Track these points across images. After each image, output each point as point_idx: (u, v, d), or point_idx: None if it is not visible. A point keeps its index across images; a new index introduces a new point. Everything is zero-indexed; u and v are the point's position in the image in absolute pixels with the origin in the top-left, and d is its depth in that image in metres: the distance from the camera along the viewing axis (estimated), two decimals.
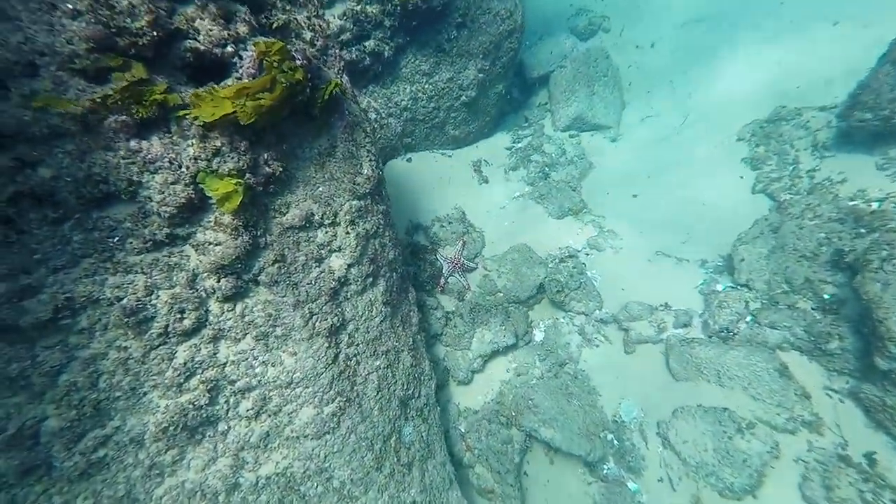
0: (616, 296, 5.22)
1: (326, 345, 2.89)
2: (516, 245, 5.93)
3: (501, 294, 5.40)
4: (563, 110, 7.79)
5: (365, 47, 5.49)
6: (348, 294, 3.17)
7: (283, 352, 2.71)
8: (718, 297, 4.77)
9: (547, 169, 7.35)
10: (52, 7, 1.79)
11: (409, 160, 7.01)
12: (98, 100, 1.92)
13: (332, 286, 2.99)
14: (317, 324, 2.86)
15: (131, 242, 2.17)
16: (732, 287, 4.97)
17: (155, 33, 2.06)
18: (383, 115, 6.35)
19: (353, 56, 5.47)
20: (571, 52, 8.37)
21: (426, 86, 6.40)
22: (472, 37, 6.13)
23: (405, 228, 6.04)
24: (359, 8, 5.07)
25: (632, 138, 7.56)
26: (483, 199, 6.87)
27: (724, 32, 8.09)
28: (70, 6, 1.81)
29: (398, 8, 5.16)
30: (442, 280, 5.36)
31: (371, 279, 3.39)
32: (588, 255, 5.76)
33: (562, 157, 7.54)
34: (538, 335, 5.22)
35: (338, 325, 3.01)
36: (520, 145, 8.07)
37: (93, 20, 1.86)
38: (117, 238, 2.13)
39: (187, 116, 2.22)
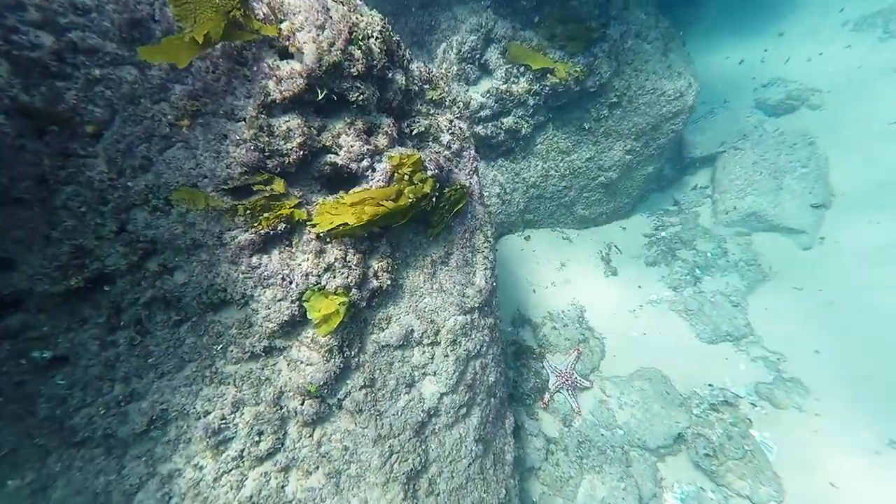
0: (810, 491, 3.68)
1: (402, 495, 2.50)
2: (646, 368, 4.86)
3: (622, 432, 4.37)
4: (731, 201, 6.51)
5: (502, 124, 5.44)
6: (436, 428, 2.78)
7: (354, 496, 2.40)
8: None
9: (699, 272, 6.10)
10: (223, 137, 1.93)
11: (527, 238, 6.61)
12: (236, 214, 2.00)
13: (419, 419, 2.65)
14: (395, 465, 2.51)
15: (232, 350, 2.17)
16: None
17: (302, 152, 2.12)
18: (507, 191, 6.15)
19: (488, 132, 5.45)
20: (755, 131, 7.07)
21: (561, 164, 6.03)
22: (625, 117, 5.61)
23: (510, 317, 5.54)
24: (504, 87, 5.07)
25: (839, 250, 5.80)
26: (608, 297, 5.97)
27: None
28: (237, 136, 1.94)
29: (547, 88, 5.00)
30: (546, 396, 4.63)
31: (465, 410, 2.96)
32: (756, 407, 4.35)
33: (721, 260, 6.20)
34: (671, 503, 4.00)
35: (419, 467, 2.62)
36: (664, 234, 6.97)
37: (252, 147, 1.97)
38: (221, 346, 2.15)
39: (308, 230, 2.22)
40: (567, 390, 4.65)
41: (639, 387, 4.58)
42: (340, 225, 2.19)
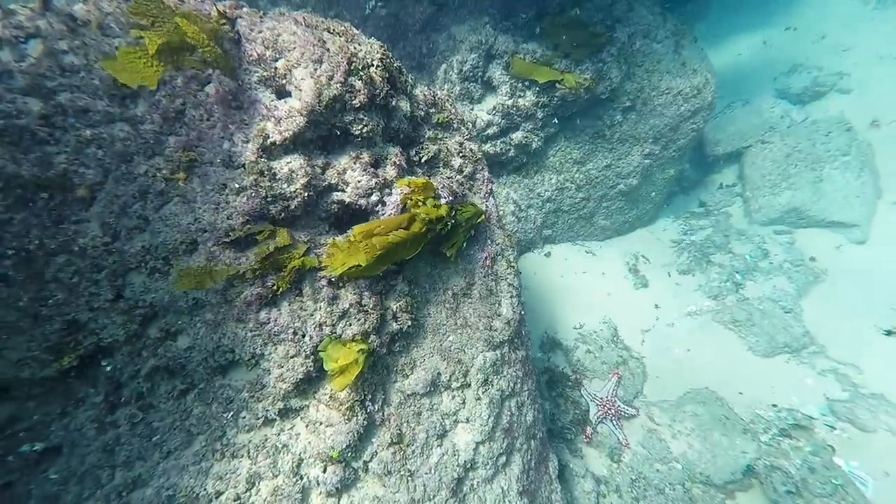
0: None
1: None
2: (697, 390, 4.49)
3: (679, 466, 3.99)
4: (766, 199, 6.19)
5: (511, 140, 5.33)
6: (474, 483, 2.53)
7: None
8: None
9: (739, 277, 5.73)
10: (222, 187, 1.83)
11: (547, 254, 6.38)
12: (240, 272, 1.88)
13: (455, 474, 2.41)
14: None
15: (244, 417, 2.01)
16: None
17: (307, 194, 2.01)
18: (522, 207, 5.98)
19: (497, 149, 5.34)
20: (781, 121, 6.78)
21: (576, 174, 5.86)
22: (640, 120, 5.44)
23: (539, 341, 5.26)
24: (510, 102, 4.98)
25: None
26: (641, 311, 5.64)
27: None
28: (237, 185, 1.84)
29: (556, 99, 4.89)
30: (588, 429, 4.29)
31: (504, 458, 2.71)
32: (835, 430, 3.91)
33: (763, 262, 5.83)
34: None
35: None
36: (694, 238, 6.65)
37: (253, 194, 1.86)
38: (231, 413, 1.99)
39: (318, 276, 2.08)
40: (611, 420, 4.30)
41: (692, 412, 4.20)
42: (353, 267, 2.04)
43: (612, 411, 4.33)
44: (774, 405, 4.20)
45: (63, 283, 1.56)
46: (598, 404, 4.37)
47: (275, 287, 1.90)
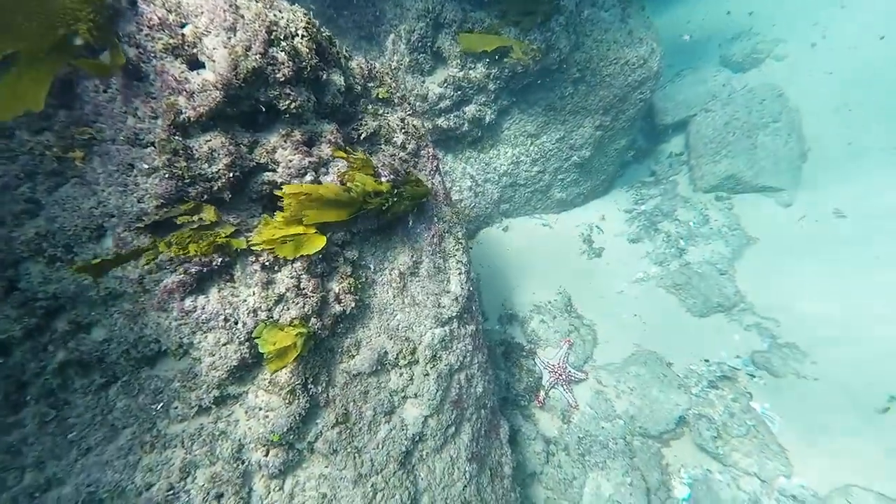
0: (818, 460, 3.69)
1: None
2: (641, 352, 4.83)
3: (622, 422, 4.33)
4: (707, 167, 6.54)
5: (464, 113, 5.26)
6: (423, 454, 2.64)
7: None
8: None
9: (682, 243, 6.10)
10: (129, 168, 1.70)
11: (505, 229, 6.49)
12: (158, 253, 1.78)
13: (403, 448, 2.49)
14: None
15: (177, 407, 1.96)
16: None
17: (231, 174, 1.90)
18: (479, 182, 6.00)
19: (451, 123, 5.27)
20: (723, 89, 7.08)
21: (531, 148, 5.91)
22: (591, 92, 5.51)
23: (497, 316, 5.42)
24: (461, 74, 4.88)
25: (820, 207, 5.89)
26: (595, 280, 5.92)
27: None
28: (146, 165, 1.71)
29: (506, 71, 4.84)
30: (541, 394, 4.54)
31: (453, 429, 2.82)
32: (755, 378, 4.36)
33: (703, 228, 6.22)
34: (680, 490, 3.98)
35: (408, 501, 2.47)
36: (644, 207, 6.97)
37: (167, 175, 1.74)
38: (161, 404, 1.93)
39: (250, 260, 2.01)
40: (562, 385, 4.57)
41: (635, 372, 4.53)
42: (286, 238, 1.99)
43: (564, 377, 4.59)
44: (706, 360, 4.61)
45: None
46: (550, 371, 4.61)
47: (193, 265, 1.81)
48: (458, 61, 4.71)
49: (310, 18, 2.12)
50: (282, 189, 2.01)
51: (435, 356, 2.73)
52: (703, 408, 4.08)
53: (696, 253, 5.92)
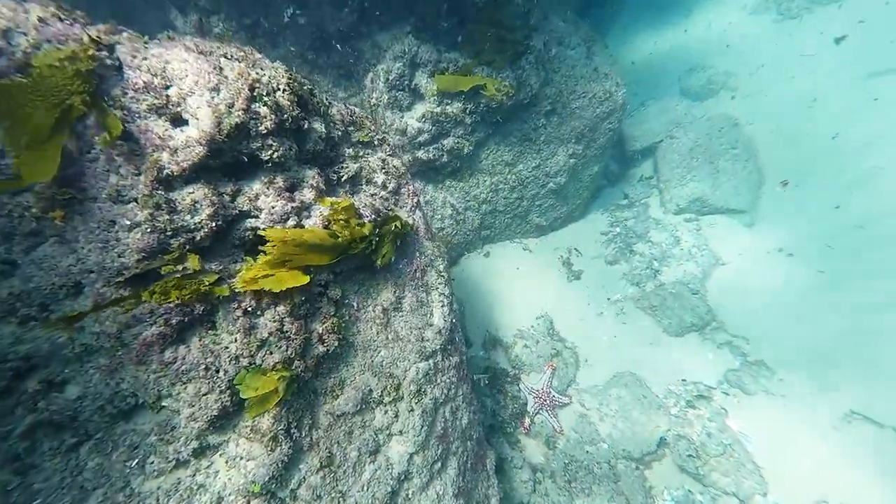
0: (792, 475, 3.81)
1: None
2: (622, 374, 4.94)
3: (606, 445, 4.38)
4: (675, 190, 6.87)
5: (443, 146, 5.43)
6: (409, 493, 2.62)
7: None
8: None
9: (656, 264, 6.34)
10: (111, 224, 1.73)
11: (486, 255, 6.62)
12: (139, 303, 1.79)
13: (388, 488, 2.48)
14: None
15: (153, 462, 1.93)
16: None
17: (214, 224, 1.94)
18: (460, 210, 6.14)
19: (431, 156, 5.43)
20: (685, 118, 7.54)
21: (508, 176, 6.11)
22: (562, 123, 5.79)
23: (482, 341, 5.47)
24: (439, 109, 5.07)
25: (779, 225, 6.24)
26: (574, 302, 6.06)
27: None
28: (128, 221, 1.74)
29: (482, 105, 5.06)
30: (526, 420, 4.56)
31: (439, 464, 2.83)
32: (728, 396, 4.50)
33: (675, 248, 6.49)
34: None
35: None
36: (619, 230, 7.22)
37: (149, 229, 1.77)
38: (136, 461, 1.90)
39: (232, 307, 2.04)
40: (546, 410, 4.61)
41: (616, 395, 4.62)
42: (265, 275, 2.02)
43: (548, 402, 4.64)
44: (684, 380, 4.74)
45: None
46: (534, 396, 4.65)
47: (173, 315, 1.83)
48: (436, 98, 4.91)
49: (291, 73, 2.23)
50: (265, 231, 2.06)
51: (420, 391, 2.75)
52: (682, 428, 4.18)
53: (669, 273, 6.14)
